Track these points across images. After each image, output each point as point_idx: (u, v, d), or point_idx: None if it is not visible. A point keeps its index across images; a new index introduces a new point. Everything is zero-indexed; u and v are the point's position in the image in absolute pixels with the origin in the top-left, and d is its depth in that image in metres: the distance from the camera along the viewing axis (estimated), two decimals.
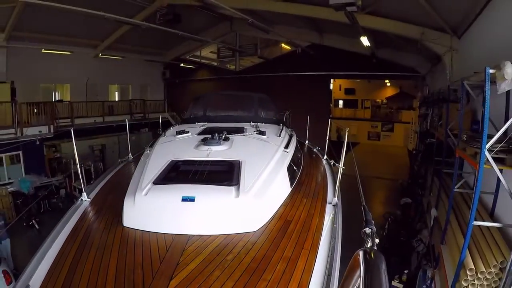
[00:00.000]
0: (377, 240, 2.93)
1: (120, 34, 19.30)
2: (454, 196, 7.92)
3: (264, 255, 3.22)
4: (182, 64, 26.12)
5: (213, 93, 11.76)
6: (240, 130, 6.16)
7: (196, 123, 7.32)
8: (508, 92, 5.96)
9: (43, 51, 17.39)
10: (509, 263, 4.76)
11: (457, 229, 6.47)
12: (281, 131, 6.33)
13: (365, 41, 13.92)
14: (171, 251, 3.23)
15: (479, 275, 5.11)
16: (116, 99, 25.41)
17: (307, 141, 9.14)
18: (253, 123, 7.09)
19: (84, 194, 4.66)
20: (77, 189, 15.66)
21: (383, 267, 1.85)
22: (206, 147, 5.05)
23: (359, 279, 1.82)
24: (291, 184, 4.91)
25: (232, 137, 5.59)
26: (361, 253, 1.94)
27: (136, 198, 3.80)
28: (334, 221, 4.03)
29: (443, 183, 8.55)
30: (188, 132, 6.07)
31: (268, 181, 4.24)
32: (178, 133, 6.02)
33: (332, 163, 6.72)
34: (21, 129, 15.28)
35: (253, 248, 3.32)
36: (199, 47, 24.84)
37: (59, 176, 17.33)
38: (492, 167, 4.80)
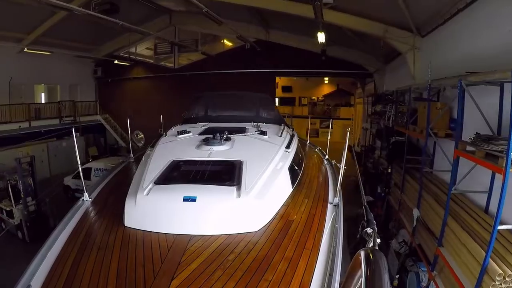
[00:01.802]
0: (378, 240, 2.97)
1: (49, 26, 16.84)
2: (437, 196, 7.92)
3: (265, 255, 3.22)
4: (116, 61, 23.81)
5: (214, 93, 12.28)
6: (241, 130, 6.18)
7: (198, 123, 7.35)
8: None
9: None
10: None
11: (460, 231, 6.33)
12: (282, 131, 6.32)
13: (321, 37, 13.51)
14: (173, 251, 3.23)
15: (506, 278, 4.94)
16: (43, 101, 22.80)
17: (308, 141, 9.40)
18: (254, 123, 7.12)
19: (86, 194, 4.65)
20: (4, 212, 12.98)
21: (385, 267, 1.87)
22: (207, 147, 5.06)
23: (361, 279, 1.83)
24: (293, 184, 4.90)
25: (233, 137, 5.61)
26: (362, 253, 1.96)
27: (138, 198, 3.78)
28: (335, 221, 4.01)
29: (421, 182, 8.45)
30: (189, 132, 6.09)
31: (270, 181, 4.23)
32: (180, 133, 6.02)
33: (333, 163, 6.73)
34: None
35: (255, 248, 3.31)
36: (135, 42, 22.66)
37: None
38: None
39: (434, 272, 6.89)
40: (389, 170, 12.21)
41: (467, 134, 6.63)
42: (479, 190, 6.71)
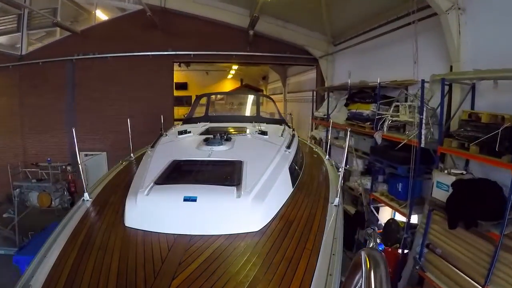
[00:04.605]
0: (378, 241, 3.14)
1: None
2: None
3: (265, 256, 3.17)
4: None
5: (214, 92, 11.74)
6: (242, 130, 6.23)
7: (198, 123, 7.33)
8: None
9: None
10: None
11: None
12: (283, 131, 6.34)
13: None
14: (173, 251, 3.20)
15: None
16: None
17: (308, 141, 9.45)
18: (255, 123, 7.02)
19: (86, 194, 4.60)
20: None
21: (384, 268, 1.85)
22: (208, 147, 5.02)
23: (361, 279, 1.86)
24: (293, 184, 4.84)
25: (234, 137, 5.59)
26: (362, 253, 1.97)
27: (138, 198, 3.76)
28: (335, 221, 3.91)
29: None
30: (190, 132, 6.07)
31: (270, 181, 4.18)
32: (180, 133, 6.01)
33: (333, 163, 6.64)
34: None
35: (255, 248, 3.27)
36: None
37: None
38: None
39: None
40: (408, 219, 7.11)
41: None
42: None
